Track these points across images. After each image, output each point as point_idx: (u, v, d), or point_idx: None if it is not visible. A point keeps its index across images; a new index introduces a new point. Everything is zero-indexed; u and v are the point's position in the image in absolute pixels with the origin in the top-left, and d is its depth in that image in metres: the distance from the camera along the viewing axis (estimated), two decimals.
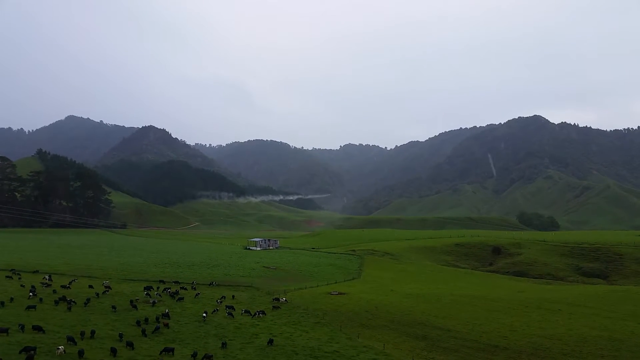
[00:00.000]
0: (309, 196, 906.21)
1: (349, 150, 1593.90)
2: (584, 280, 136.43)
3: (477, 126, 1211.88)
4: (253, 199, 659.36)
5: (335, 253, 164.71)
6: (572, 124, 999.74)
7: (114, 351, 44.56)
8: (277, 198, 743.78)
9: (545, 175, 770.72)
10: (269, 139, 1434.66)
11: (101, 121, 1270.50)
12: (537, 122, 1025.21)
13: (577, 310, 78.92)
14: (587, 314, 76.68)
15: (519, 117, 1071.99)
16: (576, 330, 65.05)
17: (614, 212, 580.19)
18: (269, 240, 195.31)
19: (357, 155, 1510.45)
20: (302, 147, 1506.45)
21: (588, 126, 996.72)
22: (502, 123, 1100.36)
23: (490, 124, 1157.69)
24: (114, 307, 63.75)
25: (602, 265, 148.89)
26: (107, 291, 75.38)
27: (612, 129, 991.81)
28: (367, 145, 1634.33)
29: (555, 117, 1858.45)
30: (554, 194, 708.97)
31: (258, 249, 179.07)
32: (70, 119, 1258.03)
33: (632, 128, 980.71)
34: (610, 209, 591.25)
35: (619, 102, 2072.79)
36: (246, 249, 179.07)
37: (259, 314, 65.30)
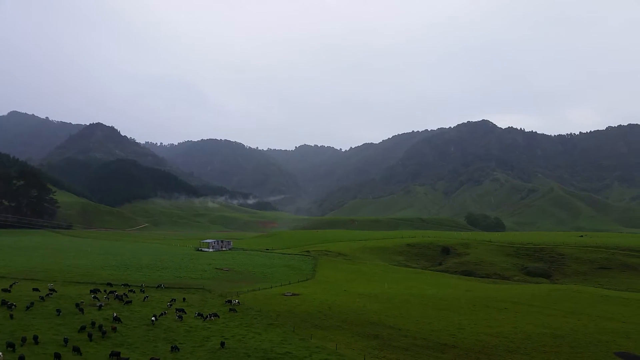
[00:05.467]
0: (269, 199, 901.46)
1: (304, 151, 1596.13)
2: (529, 280, 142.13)
3: (429, 129, 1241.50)
4: (210, 202, 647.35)
5: (289, 254, 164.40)
6: (519, 128, 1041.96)
7: (57, 356, 42.65)
8: (235, 201, 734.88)
9: (492, 178, 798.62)
10: (222, 139, 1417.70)
11: (47, 118, 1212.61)
12: (485, 127, 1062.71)
13: (522, 309, 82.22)
14: (532, 312, 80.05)
15: (468, 121, 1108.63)
16: (521, 328, 67.75)
17: (557, 214, 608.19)
18: (221, 241, 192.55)
19: (312, 156, 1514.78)
20: (257, 147, 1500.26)
21: (533, 131, 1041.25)
22: (452, 127, 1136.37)
23: (440, 128, 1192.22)
24: (58, 310, 61.02)
25: (545, 265, 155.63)
26: (51, 294, 72.22)
27: (556, 134, 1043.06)
28: (322, 147, 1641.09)
29: (502, 122, 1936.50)
30: (500, 196, 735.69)
31: (210, 250, 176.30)
32: (14, 114, 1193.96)
33: (574, 133, 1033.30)
34: (553, 211, 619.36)
35: (563, 108, 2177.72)
36: (198, 250, 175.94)
37: (211, 317, 64.30)
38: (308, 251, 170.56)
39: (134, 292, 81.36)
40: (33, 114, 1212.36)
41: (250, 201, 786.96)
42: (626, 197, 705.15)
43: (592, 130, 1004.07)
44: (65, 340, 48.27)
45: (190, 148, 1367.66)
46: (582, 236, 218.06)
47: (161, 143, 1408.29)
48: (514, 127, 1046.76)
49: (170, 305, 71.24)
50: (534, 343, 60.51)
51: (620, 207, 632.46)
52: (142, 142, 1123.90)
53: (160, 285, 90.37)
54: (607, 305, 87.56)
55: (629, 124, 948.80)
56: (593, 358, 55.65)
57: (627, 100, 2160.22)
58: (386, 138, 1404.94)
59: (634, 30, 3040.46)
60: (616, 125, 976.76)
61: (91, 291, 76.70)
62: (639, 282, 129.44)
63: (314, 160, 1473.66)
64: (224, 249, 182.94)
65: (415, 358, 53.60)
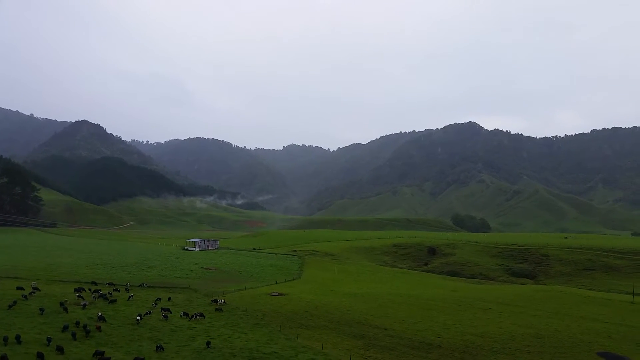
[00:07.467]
0: (257, 199, 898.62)
1: (292, 150, 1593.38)
2: (513, 280, 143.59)
3: (416, 130, 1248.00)
4: (198, 202, 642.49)
5: (276, 254, 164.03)
6: (505, 130, 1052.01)
7: (40, 356, 42.09)
8: (223, 201, 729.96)
9: (479, 179, 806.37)
10: (210, 137, 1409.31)
11: (31, 114, 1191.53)
12: (471, 129, 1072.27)
13: (506, 309, 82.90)
14: (516, 312, 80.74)
15: (454, 123, 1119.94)
16: (506, 328, 68.29)
17: (542, 215, 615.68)
18: (208, 240, 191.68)
19: (300, 156, 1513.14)
20: (245, 147, 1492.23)
21: (519, 133, 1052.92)
22: (439, 128, 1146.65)
23: (428, 129, 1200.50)
24: (42, 309, 60.18)
25: (530, 265, 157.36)
26: (35, 293, 71.26)
27: (541, 137, 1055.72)
28: (310, 146, 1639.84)
29: (488, 124, 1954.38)
30: (486, 197, 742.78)
31: (197, 249, 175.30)
32: None
33: (559, 136, 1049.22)
34: (538, 212, 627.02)
35: (549, 111, 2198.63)
36: (184, 249, 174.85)
37: (196, 316, 63.92)
38: (295, 251, 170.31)
39: (119, 291, 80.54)
40: (17, 111, 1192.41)
41: (239, 201, 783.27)
42: (610, 199, 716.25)
43: (577, 133, 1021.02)
44: (49, 340, 47.64)
45: (177, 146, 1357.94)
46: (566, 237, 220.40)
47: (147, 141, 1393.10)
48: (500, 129, 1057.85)
49: (156, 304, 70.69)
50: (518, 343, 61.03)
51: (604, 209, 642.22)
52: (128, 140, 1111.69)
53: (143, 284, 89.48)
54: (591, 306, 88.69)
55: (613, 127, 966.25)
56: (576, 358, 56.28)
57: (612, 104, 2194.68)
58: (374, 139, 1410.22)
59: (620, 35, 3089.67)
60: (600, 128, 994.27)
61: (75, 290, 75.83)
62: (622, 284, 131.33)
63: (302, 160, 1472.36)
64: (210, 248, 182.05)
65: (401, 358, 53.80)
